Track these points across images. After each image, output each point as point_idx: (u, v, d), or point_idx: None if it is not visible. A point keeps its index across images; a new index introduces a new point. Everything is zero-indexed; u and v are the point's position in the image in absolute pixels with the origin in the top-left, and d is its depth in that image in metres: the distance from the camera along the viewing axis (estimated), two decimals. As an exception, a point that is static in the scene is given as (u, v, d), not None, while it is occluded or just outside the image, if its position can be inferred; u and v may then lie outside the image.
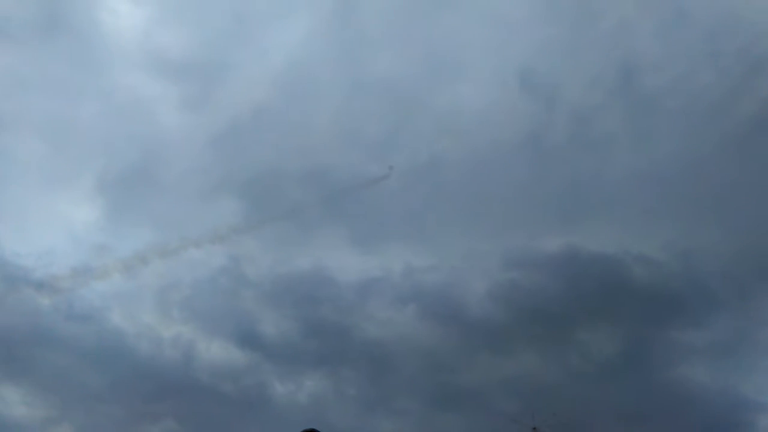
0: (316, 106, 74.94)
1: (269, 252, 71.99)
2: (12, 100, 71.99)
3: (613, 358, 57.41)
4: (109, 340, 59.20)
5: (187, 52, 77.97)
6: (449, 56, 74.69)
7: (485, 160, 68.43)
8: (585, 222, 67.40)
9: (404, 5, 75.50)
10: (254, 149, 72.56)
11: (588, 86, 69.00)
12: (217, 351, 63.94)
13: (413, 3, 76.01)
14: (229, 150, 73.31)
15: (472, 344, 61.94)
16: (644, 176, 63.11)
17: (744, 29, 63.39)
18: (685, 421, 45.53)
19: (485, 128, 71.05)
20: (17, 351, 56.32)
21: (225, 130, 73.68)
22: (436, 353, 61.00)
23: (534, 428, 23.37)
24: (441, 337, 63.30)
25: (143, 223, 71.08)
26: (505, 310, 64.07)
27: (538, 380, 54.47)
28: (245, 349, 67.30)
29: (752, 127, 56.64)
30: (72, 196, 77.47)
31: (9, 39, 69.16)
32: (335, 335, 63.60)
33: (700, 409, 47.79)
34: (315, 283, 66.03)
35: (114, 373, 56.36)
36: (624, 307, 60.02)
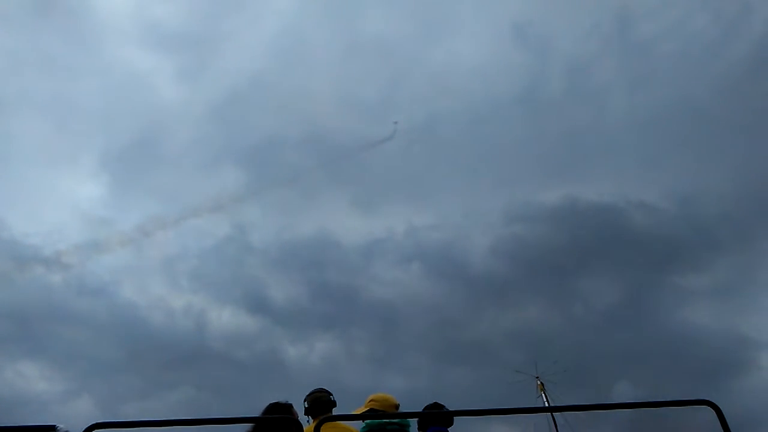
0: (311, 70, 75.08)
1: (273, 219, 73.06)
2: (11, 81, 72.15)
3: (616, 305, 58.71)
4: (121, 312, 60.62)
5: (180, 23, 77.82)
6: (441, 13, 74.44)
7: (482, 116, 68.78)
8: (584, 172, 68.11)
9: (394, -36, 74.81)
10: (253, 117, 73.05)
11: (582, 36, 68.89)
12: (228, 318, 65.46)
13: (403, -39, 75.31)
14: (228, 119, 73.75)
15: (477, 299, 63.31)
16: (641, 123, 63.52)
17: (736, -30, 62.96)
18: (688, 362, 46.78)
19: (481, 84, 71.34)
20: (33, 328, 57.78)
21: (223, 99, 74.13)
22: (442, 309, 62.38)
23: (537, 377, 24.18)
24: (446, 294, 64.65)
25: (147, 196, 72.00)
26: (508, 263, 65.32)
27: (542, 331, 55.80)
28: (255, 315, 68.98)
29: (748, 67, 56.76)
30: (76, 173, 78.32)
31: (4, 20, 68.93)
32: (343, 297, 64.97)
33: (702, 351, 49.00)
34: (320, 247, 67.15)
35: (129, 345, 57.84)
36: (625, 254, 61.10)
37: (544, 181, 69.41)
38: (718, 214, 58.76)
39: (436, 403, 5.92)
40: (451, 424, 6.83)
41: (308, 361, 58.52)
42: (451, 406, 6.83)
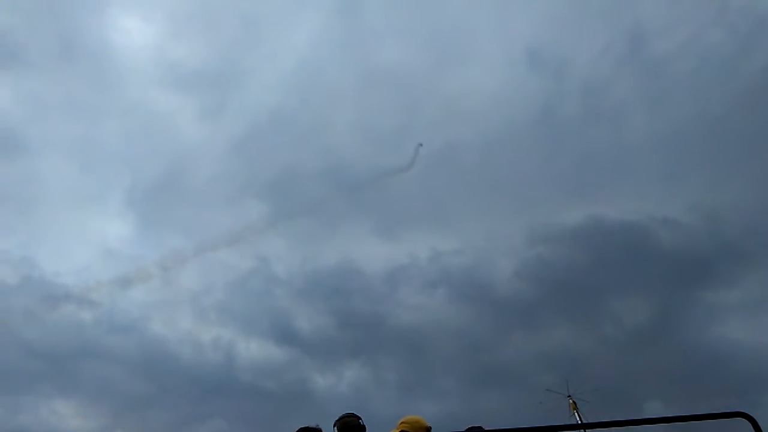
0: (329, 103, 76.04)
1: (297, 250, 73.47)
2: (37, 125, 74.15)
3: (645, 323, 57.78)
4: (151, 348, 61.08)
5: (200, 62, 79.49)
6: (455, 40, 75.12)
7: (500, 140, 68.93)
8: (606, 191, 67.71)
9: (407, -6, 76.03)
10: (273, 151, 73.88)
11: (597, 57, 69.09)
12: (256, 350, 65.59)
13: (415, -9, 76.48)
14: (249, 154, 74.76)
15: (505, 322, 62.72)
16: (660, 140, 63.10)
17: (749, -17, 62.92)
18: (721, 379, 45.70)
19: (497, 109, 71.51)
20: (65, 366, 58.46)
21: (244, 135, 75.15)
22: (470, 334, 61.88)
23: (569, 396, 23.87)
24: (473, 318, 64.15)
25: (173, 232, 72.99)
26: (534, 285, 64.72)
27: (572, 352, 55.02)
28: (283, 345, 68.87)
29: (764, 80, 56.38)
30: (103, 213, 79.72)
31: (28, 66, 71.09)
32: (369, 324, 64.81)
33: (736, 366, 47.88)
34: (344, 275, 67.24)
35: (159, 379, 58.23)
36: (652, 272, 60.24)
37: (566, 201, 69.08)
38: (744, 226, 57.99)
39: (473, 427, 5.98)
40: None
41: (337, 390, 58.32)
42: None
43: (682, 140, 61.30)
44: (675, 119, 61.60)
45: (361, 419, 6.19)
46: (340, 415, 6.13)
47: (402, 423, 5.36)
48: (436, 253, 69.54)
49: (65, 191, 76.69)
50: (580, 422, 19.26)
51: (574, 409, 22.26)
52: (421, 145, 50.99)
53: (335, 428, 6.18)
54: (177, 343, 63.20)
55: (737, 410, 4.49)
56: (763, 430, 4.41)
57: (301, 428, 5.10)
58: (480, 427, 5.78)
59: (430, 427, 5.40)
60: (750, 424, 4.39)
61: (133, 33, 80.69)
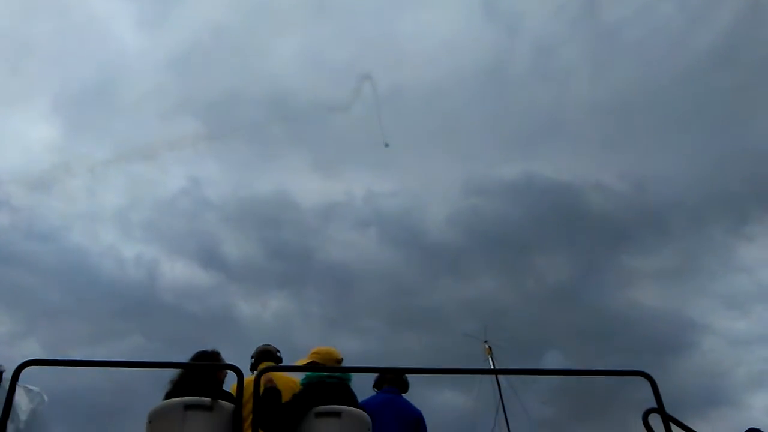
0: (276, 28, 73.26)
1: (230, 175, 72.03)
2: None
3: (565, 281, 60.19)
4: (70, 258, 59.07)
5: (143, -35, 74.54)
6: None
7: (447, 89, 68.55)
8: (544, 150, 68.88)
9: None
10: (213, 71, 71.00)
11: (551, 15, 68.97)
12: (180, 271, 64.62)
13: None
14: (188, 71, 71.42)
15: (432, 268, 63.95)
16: (602, 106, 64.36)
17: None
18: (632, 341, 48.46)
19: (448, 56, 70.80)
20: (-23, 270, 56.09)
21: (184, 50, 71.60)
22: (397, 276, 62.88)
23: (485, 341, 24.88)
24: (402, 261, 65.11)
25: (101, 142, 69.83)
26: (465, 235, 66.03)
27: (494, 302, 56.89)
28: (209, 269, 68.26)
29: (710, 59, 57.97)
30: (28, 115, 75.32)
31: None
32: (298, 257, 64.74)
33: (647, 331, 50.71)
34: (277, 206, 66.47)
35: (78, 291, 56.63)
36: (578, 233, 62.48)
37: (504, 156, 70.00)
38: (670, 199, 60.48)
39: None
40: (406, 390, 6.98)
41: (261, 318, 58.43)
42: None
43: (623, 108, 62.76)
44: (618, 87, 62.80)
45: (279, 351, 6.17)
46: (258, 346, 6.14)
47: (313, 353, 5.16)
48: (371, 193, 69.72)
49: (-12, 87, 71.75)
50: (493, 368, 20.16)
51: (489, 353, 23.27)
52: (387, 145, 49.32)
53: (252, 359, 6.15)
54: (98, 257, 61.44)
55: (638, 369, 4.66)
56: (659, 390, 4.61)
57: (198, 352, 4.96)
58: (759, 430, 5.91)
59: (342, 359, 5.28)
60: (648, 383, 4.57)
61: (73, -77, 74.67)
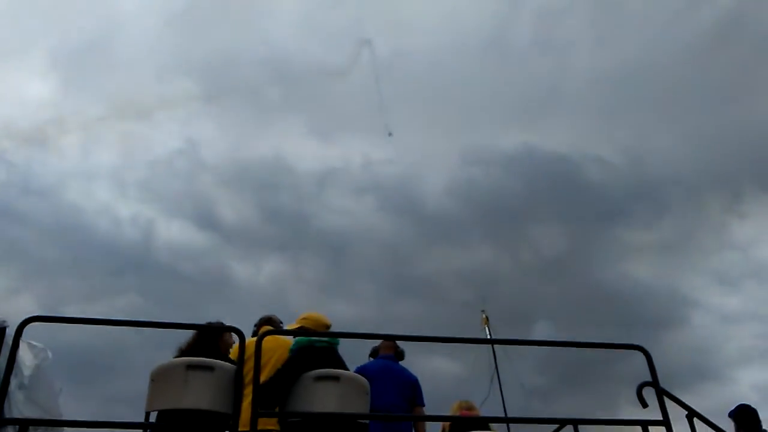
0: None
1: (227, 137, 71.44)
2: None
3: (561, 253, 60.38)
4: (66, 216, 58.94)
5: None
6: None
7: (447, 57, 67.78)
8: (543, 122, 68.50)
9: None
10: (211, 31, 69.95)
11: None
12: (176, 232, 64.60)
13: None
14: (185, 30, 70.39)
15: (429, 236, 64.11)
16: (603, 79, 63.78)
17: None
18: (623, 314, 48.84)
19: (450, 24, 69.86)
20: (-28, 223, 55.95)
21: (182, 8, 70.47)
22: (393, 244, 63.07)
23: (483, 311, 25.07)
24: (398, 229, 65.19)
25: (97, 99, 68.97)
26: (462, 205, 65.98)
27: (489, 272, 57.18)
28: (205, 231, 68.36)
29: (713, 35, 57.34)
30: (23, 69, 74.31)
31: None
32: (294, 222, 64.72)
33: (639, 305, 51.04)
34: (273, 170, 66.21)
35: (73, 249, 56.62)
36: (576, 206, 62.46)
37: (503, 127, 69.53)
38: (669, 175, 60.42)
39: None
40: (402, 358, 7.09)
41: (255, 280, 58.73)
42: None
43: (624, 82, 62.25)
44: (620, 60, 62.19)
45: (282, 323, 6.25)
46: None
47: (302, 319, 5.20)
48: (369, 160, 69.45)
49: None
50: (489, 337, 20.34)
51: (486, 323, 23.48)
52: (390, 134, 48.52)
53: (255, 327, 6.24)
54: (94, 215, 61.25)
55: (635, 344, 4.73)
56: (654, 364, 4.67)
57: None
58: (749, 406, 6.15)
59: (330, 325, 5.31)
60: (644, 356, 4.64)
61: None
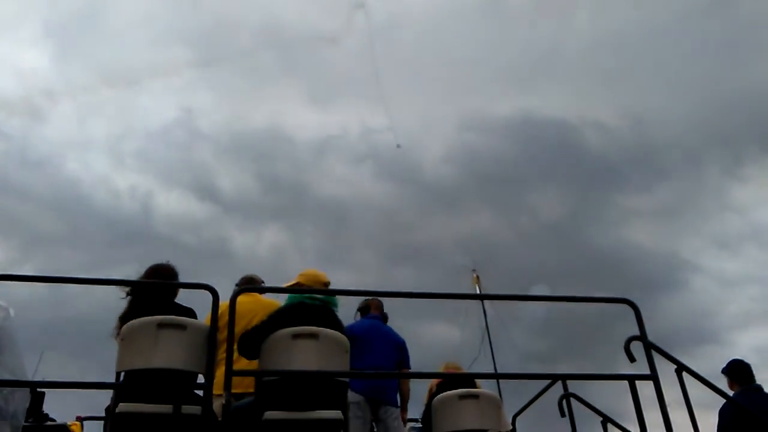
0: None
1: (224, 106, 70.79)
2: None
3: (558, 218, 60.18)
4: (64, 187, 58.65)
5: None
6: None
7: (445, 22, 66.76)
8: (542, 87, 67.59)
9: None
10: (207, -1, 68.91)
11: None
12: (175, 202, 64.44)
13: None
14: (179, -3, 69.34)
15: (427, 204, 63.96)
16: (602, 42, 62.89)
17: None
18: (622, 279, 48.96)
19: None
20: (-30, 197, 55.79)
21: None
22: (391, 211, 62.95)
23: (474, 270, 25.00)
24: (396, 197, 64.96)
25: (92, 69, 68.00)
26: (460, 171, 65.59)
27: (487, 238, 57.13)
28: (204, 201, 68.17)
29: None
30: (16, 39, 73.32)
31: None
32: (293, 191, 64.48)
33: (638, 269, 51.03)
34: (271, 139, 65.74)
35: (72, 220, 56.46)
36: (574, 170, 62.02)
37: (501, 92, 68.40)
38: (668, 139, 59.84)
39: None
40: (386, 321, 7.02)
41: (255, 250, 58.72)
42: (395, 303, 7.00)
43: (624, 44, 61.35)
44: (620, 21, 61.20)
45: (263, 282, 6.08)
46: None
47: (299, 276, 4.93)
48: (367, 128, 68.90)
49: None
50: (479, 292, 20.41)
51: (477, 282, 23.45)
52: (399, 146, 47.35)
53: (236, 285, 6.06)
54: (91, 186, 61.08)
55: (621, 297, 4.60)
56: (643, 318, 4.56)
57: (151, 266, 4.73)
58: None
59: (329, 283, 5.07)
60: (632, 310, 4.51)
61: None
